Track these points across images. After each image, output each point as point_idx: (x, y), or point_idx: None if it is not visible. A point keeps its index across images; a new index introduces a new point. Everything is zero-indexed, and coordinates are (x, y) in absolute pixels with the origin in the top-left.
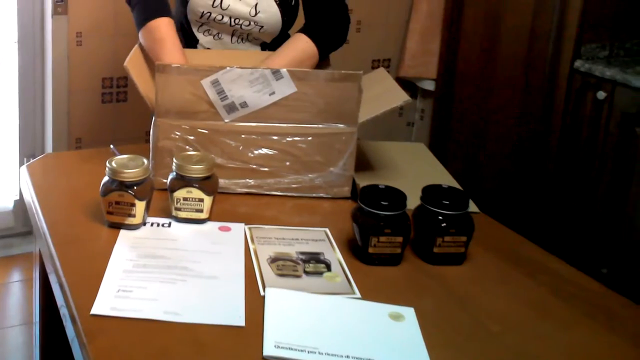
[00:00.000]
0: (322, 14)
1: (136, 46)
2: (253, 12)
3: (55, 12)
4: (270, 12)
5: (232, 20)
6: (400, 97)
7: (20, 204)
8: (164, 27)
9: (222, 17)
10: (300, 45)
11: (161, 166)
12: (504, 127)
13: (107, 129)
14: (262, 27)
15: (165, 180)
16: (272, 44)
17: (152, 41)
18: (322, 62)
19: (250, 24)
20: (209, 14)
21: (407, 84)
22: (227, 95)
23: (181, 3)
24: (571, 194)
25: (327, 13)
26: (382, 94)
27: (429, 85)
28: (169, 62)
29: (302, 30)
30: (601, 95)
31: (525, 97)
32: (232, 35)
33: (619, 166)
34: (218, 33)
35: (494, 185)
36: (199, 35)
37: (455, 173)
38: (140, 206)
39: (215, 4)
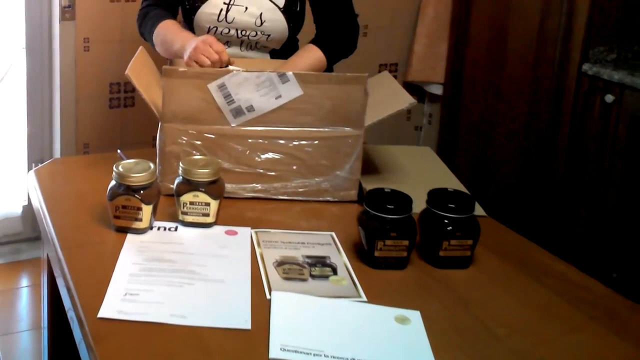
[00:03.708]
0: (332, 25)
1: (136, 54)
2: (258, 22)
3: (62, 18)
4: (275, 20)
5: (239, 32)
6: (405, 99)
7: (28, 209)
8: (168, 25)
9: (229, 30)
10: (312, 55)
11: (168, 172)
12: (512, 130)
13: (114, 134)
14: (269, 35)
15: (172, 186)
16: (282, 50)
17: (163, 40)
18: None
19: (257, 33)
20: (215, 28)
21: (415, 88)
22: (233, 99)
23: (186, 20)
24: (580, 198)
25: (336, 23)
26: (387, 97)
27: (437, 90)
28: (183, 44)
29: (313, 42)
30: (609, 98)
31: (533, 101)
32: (241, 45)
33: (628, 169)
34: (227, 42)
35: (503, 189)
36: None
37: (464, 177)
38: (146, 210)
39: (220, 18)
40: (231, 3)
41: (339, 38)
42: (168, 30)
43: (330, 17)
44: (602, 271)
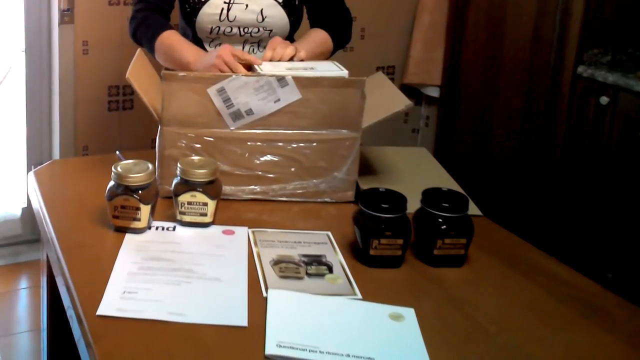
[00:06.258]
0: (327, 15)
1: (135, 57)
2: (260, 18)
3: (61, 22)
4: (276, 15)
5: (242, 30)
6: (402, 101)
7: (27, 211)
8: (172, 35)
9: (231, 29)
10: (321, 35)
11: (168, 175)
12: (508, 132)
13: (113, 136)
14: (271, 30)
15: (171, 188)
16: None
17: (167, 49)
18: None
19: (259, 30)
20: (217, 28)
21: (412, 91)
22: (232, 103)
23: (187, 23)
24: (576, 199)
25: (331, 14)
26: (383, 99)
27: (434, 92)
28: (188, 59)
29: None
30: (604, 100)
31: (529, 103)
32: (244, 45)
33: (622, 171)
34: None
35: (500, 190)
36: (210, 49)
37: (461, 178)
38: (145, 210)
39: (222, 18)
40: (231, 2)
41: (335, 27)
42: (174, 42)
43: (324, 8)
44: (598, 271)
